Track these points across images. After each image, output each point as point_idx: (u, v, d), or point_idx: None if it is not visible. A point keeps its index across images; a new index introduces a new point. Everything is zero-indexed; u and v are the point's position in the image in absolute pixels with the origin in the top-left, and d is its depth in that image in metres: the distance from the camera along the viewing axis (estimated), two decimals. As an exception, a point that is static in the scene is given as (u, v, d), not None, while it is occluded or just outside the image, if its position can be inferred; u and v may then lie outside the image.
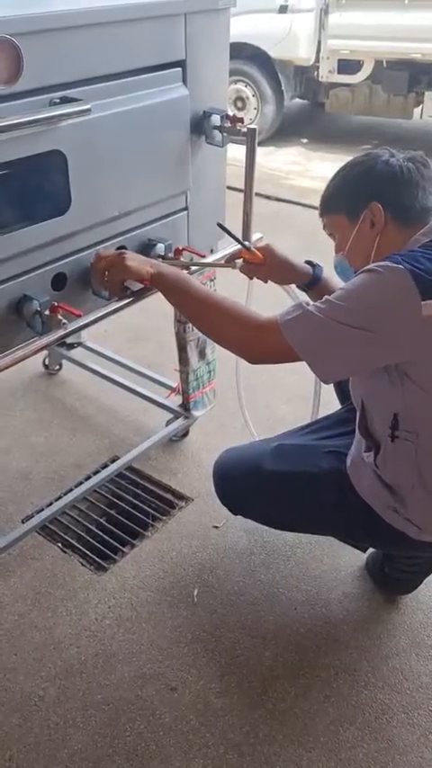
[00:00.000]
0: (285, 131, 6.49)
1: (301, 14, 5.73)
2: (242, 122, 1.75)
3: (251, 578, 1.91)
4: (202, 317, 1.52)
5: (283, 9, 5.76)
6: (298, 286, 1.74)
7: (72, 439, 2.44)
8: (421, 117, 5.82)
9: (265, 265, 1.68)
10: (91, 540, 2.04)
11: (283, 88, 6.08)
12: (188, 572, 1.94)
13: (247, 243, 1.71)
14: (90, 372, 2.65)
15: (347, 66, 5.78)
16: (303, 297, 1.70)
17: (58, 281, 1.60)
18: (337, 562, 1.95)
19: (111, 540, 2.04)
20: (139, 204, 1.72)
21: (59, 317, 1.50)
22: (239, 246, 1.71)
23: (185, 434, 2.42)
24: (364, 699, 1.63)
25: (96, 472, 2.25)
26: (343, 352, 1.31)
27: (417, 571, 1.80)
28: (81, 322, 1.53)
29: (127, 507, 2.16)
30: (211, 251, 2.02)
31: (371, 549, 1.89)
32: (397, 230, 1.40)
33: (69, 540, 2.04)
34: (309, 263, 1.72)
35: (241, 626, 1.79)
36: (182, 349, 2.15)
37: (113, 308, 1.58)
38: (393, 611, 1.83)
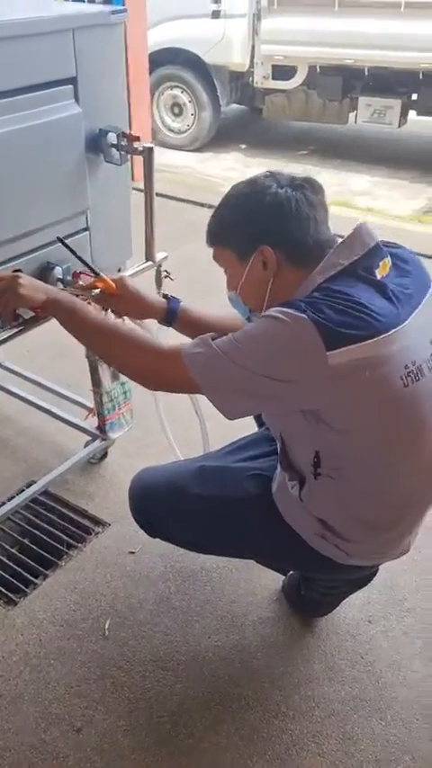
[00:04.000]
0: (223, 137, 6.48)
1: (234, 19, 5.71)
2: (138, 140, 1.70)
3: (165, 606, 1.87)
4: (101, 345, 1.47)
5: (216, 14, 5.74)
6: (159, 321, 1.65)
7: (-13, 463, 2.36)
8: (356, 122, 5.86)
9: (117, 297, 1.59)
10: (1, 572, 1.97)
11: (218, 94, 6.05)
12: (100, 602, 1.88)
13: (96, 269, 1.61)
14: (7, 394, 2.57)
15: (282, 71, 5.79)
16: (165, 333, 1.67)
17: None
18: (254, 585, 1.92)
19: (22, 572, 1.97)
20: (35, 225, 1.66)
21: None
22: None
23: (104, 456, 2.36)
24: (274, 729, 1.59)
25: (11, 498, 2.18)
26: (246, 393, 1.28)
27: (335, 593, 1.77)
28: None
29: (41, 535, 2.09)
30: (119, 270, 1.97)
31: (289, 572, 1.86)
32: (292, 270, 1.32)
33: (-22, 572, 1.96)
34: (165, 296, 1.66)
35: (153, 658, 1.74)
36: (93, 370, 2.09)
37: (2, 337, 1.52)
38: (308, 635, 1.80)
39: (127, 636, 1.79)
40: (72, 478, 2.28)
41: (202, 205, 4.70)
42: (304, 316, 1.19)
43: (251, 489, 1.57)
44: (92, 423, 2.35)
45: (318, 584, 1.76)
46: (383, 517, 1.44)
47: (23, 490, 2.22)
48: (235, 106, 6.65)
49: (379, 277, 1.29)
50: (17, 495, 2.20)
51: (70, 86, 1.63)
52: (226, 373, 1.26)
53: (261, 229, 1.31)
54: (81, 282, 1.71)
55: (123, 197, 1.89)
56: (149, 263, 1.84)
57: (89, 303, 1.53)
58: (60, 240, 1.58)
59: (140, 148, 1.69)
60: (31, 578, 1.95)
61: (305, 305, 1.21)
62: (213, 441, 1.97)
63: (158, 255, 1.86)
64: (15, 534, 2.10)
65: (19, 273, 1.49)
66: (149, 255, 1.84)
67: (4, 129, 1.50)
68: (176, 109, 6.28)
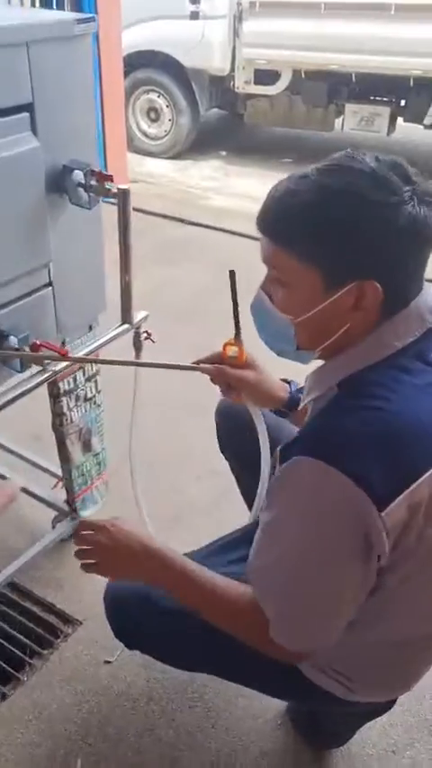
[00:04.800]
0: (203, 143, 6.16)
1: (214, 21, 5.38)
2: (111, 180, 1.38)
3: (150, 737, 1.55)
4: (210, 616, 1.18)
5: (194, 15, 5.40)
6: (272, 410, 1.39)
7: None
8: (342, 129, 5.58)
9: (242, 371, 1.31)
10: None
11: (197, 98, 5.73)
12: (71, 733, 1.56)
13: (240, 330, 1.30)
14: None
15: (265, 76, 5.48)
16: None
17: None
18: (254, 705, 1.61)
19: (-24, 690, 1.64)
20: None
21: None
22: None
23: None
24: None
25: (-34, 590, 1.85)
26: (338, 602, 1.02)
27: (349, 721, 1.47)
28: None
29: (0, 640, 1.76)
30: (90, 328, 1.66)
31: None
32: (376, 317, 0.98)
33: None
34: (283, 380, 1.39)
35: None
36: (61, 444, 1.77)
37: None
38: (321, 772, 1.50)
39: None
40: (38, 562, 1.95)
41: (181, 221, 4.40)
42: (332, 469, 0.90)
43: None
44: (60, 495, 2.02)
45: (327, 713, 1.46)
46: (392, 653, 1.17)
47: (-19, 578, 1.90)
48: (215, 111, 6.33)
49: None
50: (-27, 584, 1.87)
51: (26, 114, 1.31)
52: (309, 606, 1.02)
53: (378, 259, 0.93)
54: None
55: (94, 244, 1.56)
56: (125, 326, 1.52)
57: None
58: (232, 276, 1.25)
59: (114, 190, 1.37)
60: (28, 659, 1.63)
61: (330, 446, 0.92)
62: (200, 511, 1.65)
63: (137, 315, 1.54)
64: (-30, 638, 1.77)
65: (111, 535, 1.16)
66: (126, 317, 1.52)
67: None
68: (153, 114, 5.95)
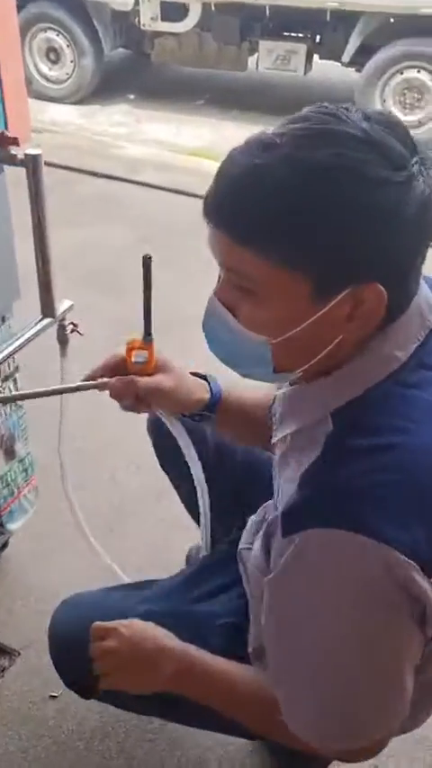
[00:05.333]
0: (109, 86, 5.73)
1: None
2: (17, 144, 1.11)
3: (107, 782, 1.38)
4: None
5: None
6: (190, 416, 1.11)
7: None
8: (257, 68, 5.28)
9: (152, 378, 1.03)
10: None
11: (100, 37, 5.28)
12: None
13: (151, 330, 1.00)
14: None
15: (172, 11, 5.09)
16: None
17: None
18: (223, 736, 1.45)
19: None
20: None
21: None
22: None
23: (4, 546, 1.80)
24: None
25: None
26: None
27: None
28: None
29: None
30: (3, 320, 1.40)
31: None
32: (376, 326, 0.76)
33: None
34: (195, 374, 1.10)
35: None
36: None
37: None
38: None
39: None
40: (-37, 584, 1.71)
41: (93, 174, 4.05)
42: (365, 539, 0.69)
43: (221, 647, 1.06)
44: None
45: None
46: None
47: None
48: (120, 51, 5.88)
49: None
50: None
51: None
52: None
53: (383, 256, 0.71)
54: None
55: (1, 221, 1.29)
56: (48, 320, 1.27)
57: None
58: (146, 263, 0.94)
59: (21, 156, 1.10)
60: None
61: (358, 506, 0.71)
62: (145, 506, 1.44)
63: (60, 306, 1.28)
64: None
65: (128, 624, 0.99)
66: (48, 310, 1.26)
67: None
68: (53, 55, 5.46)
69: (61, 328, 1.30)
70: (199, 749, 1.43)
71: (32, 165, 1.11)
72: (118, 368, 1.03)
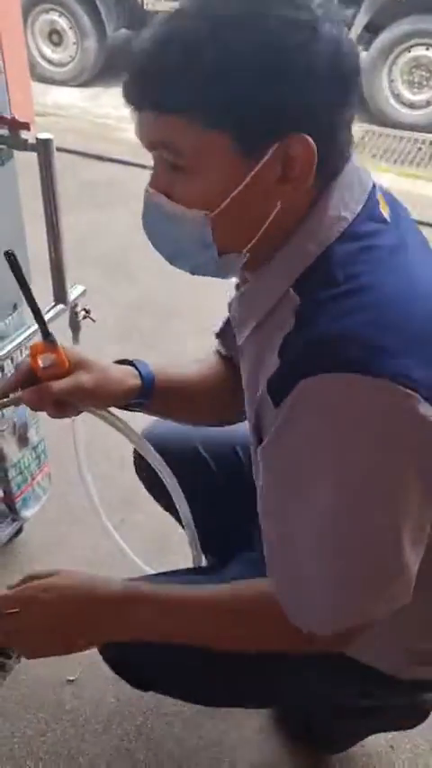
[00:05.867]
0: (113, 69, 5.66)
1: None
2: (28, 128, 1.10)
3: (127, 762, 1.39)
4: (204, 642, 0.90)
5: None
6: (125, 406, 1.05)
7: None
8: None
9: (70, 378, 0.94)
10: None
11: (103, 18, 5.22)
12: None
13: (51, 333, 0.93)
14: None
15: (175, -10, 5.02)
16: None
17: None
18: (236, 713, 1.46)
19: None
20: None
21: None
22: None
23: (18, 533, 1.81)
24: None
25: None
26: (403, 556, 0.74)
27: (348, 727, 1.31)
28: None
29: None
30: (15, 307, 1.39)
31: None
32: (311, 188, 0.74)
33: None
34: (121, 362, 1.04)
35: None
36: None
37: None
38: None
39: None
40: (-22, 570, 1.72)
41: (99, 158, 4.02)
42: (371, 376, 0.66)
43: None
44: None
45: (349, 724, 1.28)
46: None
47: None
48: (123, 32, 5.81)
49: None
50: None
51: None
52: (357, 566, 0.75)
53: (302, 102, 0.69)
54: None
55: (10, 207, 1.28)
56: (60, 306, 1.26)
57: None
58: (9, 259, 0.87)
59: (32, 141, 1.09)
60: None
61: (349, 347, 0.68)
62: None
63: (73, 292, 1.28)
64: None
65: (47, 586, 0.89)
66: (59, 295, 1.26)
67: None
68: (55, 37, 5.40)
69: (74, 314, 1.30)
70: (216, 731, 1.44)
71: (44, 150, 1.10)
72: (29, 377, 0.94)
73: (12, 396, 0.94)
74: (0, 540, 1.71)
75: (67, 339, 1.36)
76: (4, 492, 1.65)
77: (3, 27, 3.85)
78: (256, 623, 0.86)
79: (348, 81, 0.72)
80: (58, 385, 0.92)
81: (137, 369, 1.03)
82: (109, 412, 1.02)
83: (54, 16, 5.31)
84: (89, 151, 4.04)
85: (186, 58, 0.68)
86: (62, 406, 0.96)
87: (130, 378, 1.02)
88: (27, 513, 1.70)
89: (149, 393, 1.03)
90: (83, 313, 1.31)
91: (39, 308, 0.89)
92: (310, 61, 0.67)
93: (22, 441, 1.58)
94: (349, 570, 0.76)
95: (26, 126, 1.09)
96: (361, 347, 0.67)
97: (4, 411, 1.49)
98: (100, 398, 0.98)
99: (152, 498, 1.36)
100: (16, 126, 1.09)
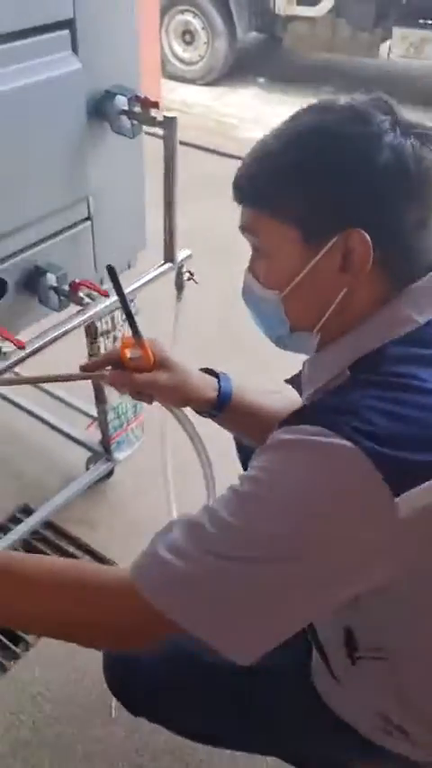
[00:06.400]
0: (240, 69, 5.87)
1: None
2: (157, 106, 1.28)
3: (183, 679, 1.56)
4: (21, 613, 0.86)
5: None
6: (198, 411, 1.14)
7: (-28, 481, 2.02)
8: (388, 57, 5.27)
9: (151, 373, 1.05)
10: (-12, 625, 1.66)
11: (235, 20, 5.43)
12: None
13: (139, 329, 1.04)
14: (-2, 396, 2.20)
15: (308, -4, 5.17)
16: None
17: None
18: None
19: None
20: (21, 221, 1.27)
21: None
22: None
23: (110, 474, 2.01)
24: None
25: (5, 529, 1.85)
26: (268, 608, 0.74)
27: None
28: None
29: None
30: (129, 266, 1.59)
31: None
32: (377, 282, 0.81)
33: (-40, 627, 1.65)
34: (208, 371, 1.12)
35: (170, 749, 1.44)
36: (96, 385, 1.72)
37: None
38: None
39: (139, 719, 1.48)
40: (73, 502, 1.93)
41: (221, 154, 4.22)
42: (346, 443, 0.70)
43: (285, 660, 0.94)
44: (94, 436, 1.99)
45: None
46: None
47: (17, 517, 1.90)
48: (254, 34, 6.01)
49: None
50: (9, 523, 1.87)
51: (66, 32, 1.21)
52: (228, 587, 0.73)
53: (359, 201, 0.78)
54: (80, 294, 1.32)
55: (135, 175, 1.48)
56: (169, 265, 1.45)
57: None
58: (111, 272, 1.02)
59: (160, 118, 1.28)
60: (22, 635, 1.64)
61: (345, 419, 0.71)
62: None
63: (180, 254, 1.46)
64: (5, 574, 1.78)
65: None
66: (169, 255, 1.44)
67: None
68: (188, 36, 5.67)
69: (179, 275, 1.48)
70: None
71: (169, 126, 1.28)
72: (116, 361, 1.06)
73: (99, 372, 1.09)
74: (97, 476, 1.92)
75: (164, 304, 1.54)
76: (102, 433, 1.86)
77: (141, 27, 4.15)
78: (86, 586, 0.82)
79: (415, 190, 0.78)
80: (140, 377, 1.04)
81: (219, 383, 1.11)
82: (180, 410, 1.15)
83: (189, 17, 5.57)
84: (208, 146, 4.25)
85: (269, 165, 0.81)
86: (140, 394, 1.09)
87: (208, 389, 1.09)
88: (120, 455, 1.90)
89: (222, 409, 1.10)
90: (187, 274, 1.48)
91: (131, 311, 1.03)
92: (371, 168, 0.77)
93: (123, 388, 1.78)
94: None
95: (156, 104, 1.28)
96: (361, 423, 0.71)
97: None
98: (173, 399, 1.10)
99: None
100: (148, 104, 1.28)
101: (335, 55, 5.72)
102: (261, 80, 5.92)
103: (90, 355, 1.66)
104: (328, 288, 0.82)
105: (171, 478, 1.59)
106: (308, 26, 5.39)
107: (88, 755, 1.44)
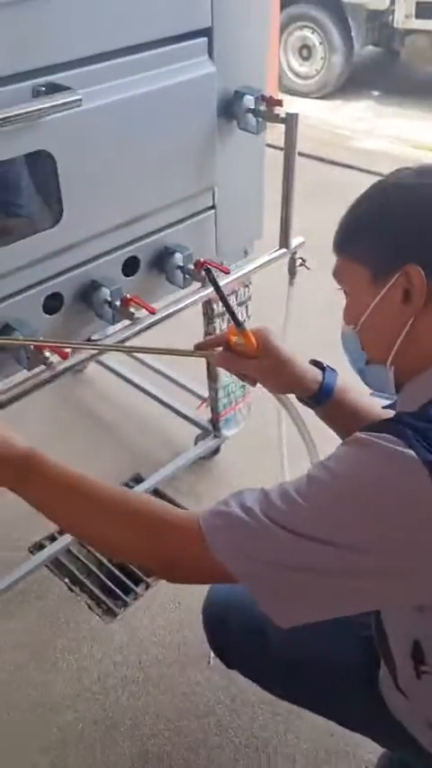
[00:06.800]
0: (355, 83, 5.96)
1: None
2: (281, 104, 1.42)
3: (277, 638, 1.67)
4: (73, 521, 0.96)
5: None
6: (300, 399, 1.20)
7: (92, 450, 2.21)
8: None
9: (256, 360, 1.14)
10: (102, 576, 1.83)
11: (353, 35, 5.54)
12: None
13: (241, 318, 1.16)
14: (114, 374, 2.41)
15: (427, 10, 5.19)
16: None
17: (52, 304, 1.34)
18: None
19: (123, 578, 1.82)
20: (155, 205, 1.43)
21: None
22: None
23: (216, 452, 2.16)
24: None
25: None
26: (317, 587, 0.80)
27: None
28: (67, 363, 1.28)
29: (145, 537, 1.93)
30: (245, 253, 1.73)
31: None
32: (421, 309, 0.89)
33: (78, 575, 1.83)
34: (316, 363, 1.18)
35: (261, 699, 1.55)
36: (210, 363, 1.87)
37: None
38: None
39: (234, 669, 1.61)
40: (180, 474, 2.09)
41: (331, 163, 4.33)
42: (410, 452, 0.76)
43: (358, 658, 1.13)
44: (203, 415, 2.15)
45: None
46: None
47: (129, 485, 2.07)
48: (369, 48, 6.09)
49: None
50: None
51: (204, 39, 1.37)
52: (279, 552, 0.80)
53: (417, 239, 0.88)
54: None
55: (256, 169, 1.62)
56: (283, 250, 1.58)
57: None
58: (208, 272, 1.16)
59: (283, 115, 1.41)
60: (133, 586, 1.80)
61: (413, 430, 0.78)
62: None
63: (294, 241, 1.59)
64: (118, 533, 1.95)
65: None
66: (284, 241, 1.57)
67: (127, 93, 1.26)
68: (305, 51, 5.82)
69: (292, 260, 1.60)
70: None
71: (291, 122, 1.41)
72: (225, 343, 1.16)
73: (210, 351, 1.21)
74: (204, 452, 2.07)
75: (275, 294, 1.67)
76: (212, 410, 2.01)
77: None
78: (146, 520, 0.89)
79: None
80: (243, 362, 1.15)
81: (323, 377, 1.16)
82: (285, 396, 1.24)
83: (307, 33, 5.72)
84: (320, 155, 4.37)
85: (349, 218, 0.95)
86: (245, 377, 1.19)
87: (309, 381, 1.15)
88: (227, 432, 2.04)
89: (321, 402, 1.16)
90: (299, 261, 1.61)
91: (233, 309, 1.14)
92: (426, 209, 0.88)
93: (233, 368, 1.92)
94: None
95: (280, 102, 1.42)
96: (420, 434, 0.78)
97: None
98: (275, 385, 1.18)
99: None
100: (272, 103, 1.42)
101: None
102: (376, 93, 5.98)
103: (206, 335, 1.81)
104: (394, 320, 0.90)
105: (286, 461, 1.72)
106: (426, 39, 5.41)
107: (187, 695, 1.57)
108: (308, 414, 1.22)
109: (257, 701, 1.55)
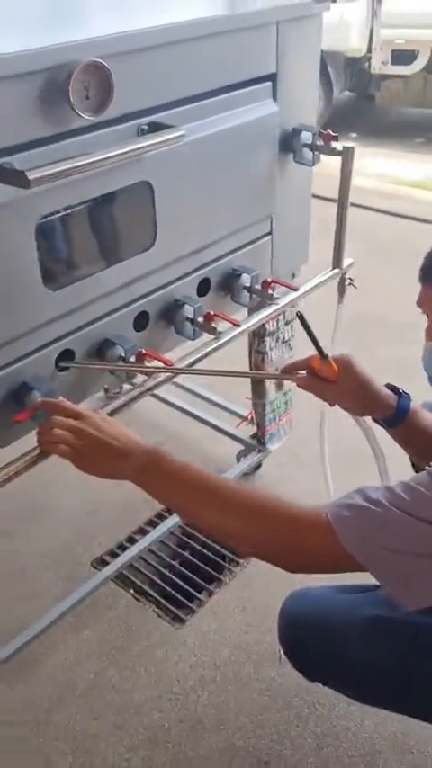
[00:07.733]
0: (334, 126, 6.21)
1: (353, 3, 5.50)
2: (336, 139, 1.58)
3: (342, 634, 1.76)
4: (204, 512, 1.07)
5: (333, -2, 5.54)
6: (375, 420, 1.34)
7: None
8: None
9: (336, 384, 1.28)
10: (165, 585, 1.91)
11: (332, 81, 5.86)
12: (273, 624, 1.78)
13: (324, 350, 1.29)
14: (155, 398, 2.51)
15: (402, 56, 5.56)
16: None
17: (141, 322, 1.46)
18: None
19: (186, 587, 1.91)
20: (223, 233, 1.57)
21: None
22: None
23: (258, 466, 2.27)
24: None
25: (160, 516, 2.12)
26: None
27: None
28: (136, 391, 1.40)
29: (199, 548, 2.02)
30: (293, 276, 1.87)
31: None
32: None
33: (142, 585, 1.91)
34: (392, 388, 1.29)
35: (335, 692, 1.64)
36: (258, 381, 2.00)
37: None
38: None
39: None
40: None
41: (326, 199, 4.54)
42: None
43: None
44: (244, 431, 2.27)
45: None
46: None
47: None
48: (345, 93, 6.44)
49: None
50: (165, 511, 2.14)
51: (269, 83, 1.53)
52: (406, 539, 0.87)
53: None
54: (270, 291, 1.61)
55: (305, 199, 1.78)
56: (336, 270, 1.73)
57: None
58: (301, 318, 1.29)
59: (340, 149, 1.58)
60: (196, 594, 1.89)
61: None
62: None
63: (345, 262, 1.74)
64: (173, 545, 2.04)
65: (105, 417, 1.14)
66: (337, 262, 1.73)
67: (203, 133, 1.41)
68: (286, 97, 6.12)
69: (342, 279, 1.75)
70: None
71: (347, 154, 1.58)
72: (309, 367, 1.32)
73: (294, 374, 1.37)
74: (248, 468, 2.17)
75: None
76: (257, 424, 2.13)
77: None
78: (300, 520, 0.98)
79: None
80: (325, 387, 1.30)
81: (398, 401, 1.26)
82: (362, 419, 1.40)
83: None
84: (317, 193, 4.59)
85: None
86: (325, 399, 1.35)
87: (385, 406, 1.26)
88: (272, 446, 2.16)
89: (395, 424, 1.27)
90: (348, 280, 1.76)
91: (319, 344, 1.28)
92: None
93: (280, 385, 2.05)
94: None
95: (336, 138, 1.58)
96: None
97: (274, 356, 1.97)
98: (352, 407, 1.33)
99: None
100: (329, 138, 1.59)
101: (425, 109, 6.06)
102: (354, 135, 6.29)
103: (257, 353, 1.95)
104: None
105: (329, 472, 1.85)
106: (401, 83, 5.77)
107: (263, 691, 1.65)
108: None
109: (332, 693, 1.63)
